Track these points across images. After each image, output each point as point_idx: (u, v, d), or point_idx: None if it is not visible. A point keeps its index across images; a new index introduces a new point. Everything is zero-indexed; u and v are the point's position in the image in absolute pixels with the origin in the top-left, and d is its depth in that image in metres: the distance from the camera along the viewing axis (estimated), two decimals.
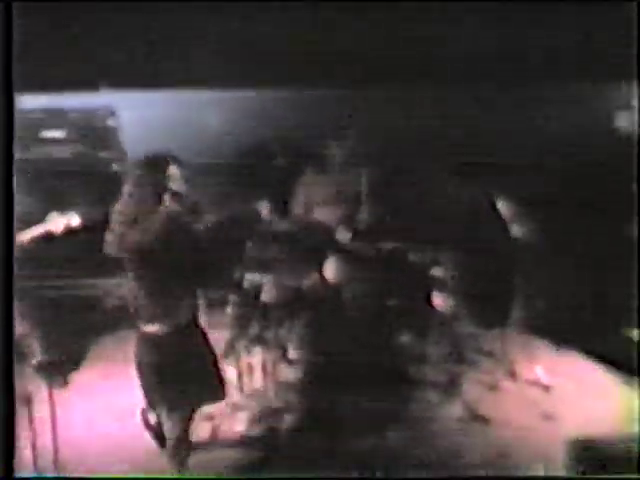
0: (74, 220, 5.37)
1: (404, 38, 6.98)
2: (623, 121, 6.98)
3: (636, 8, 4.87)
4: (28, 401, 4.16)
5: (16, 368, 4.27)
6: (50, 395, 4.41)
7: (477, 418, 5.60)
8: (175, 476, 4.77)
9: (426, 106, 6.92)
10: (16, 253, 4.11)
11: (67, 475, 4.51)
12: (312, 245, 6.06)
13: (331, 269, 6.00)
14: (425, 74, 6.94)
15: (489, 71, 6.87)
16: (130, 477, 4.77)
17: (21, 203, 5.82)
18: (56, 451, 4.40)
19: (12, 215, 4.24)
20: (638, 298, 5.55)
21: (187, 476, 4.77)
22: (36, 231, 5.31)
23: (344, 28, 6.95)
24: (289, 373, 6.06)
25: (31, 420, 4.19)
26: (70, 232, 5.31)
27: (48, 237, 5.39)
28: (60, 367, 5.84)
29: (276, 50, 7.11)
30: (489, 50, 6.83)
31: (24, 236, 5.22)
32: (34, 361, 5.08)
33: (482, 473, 5.11)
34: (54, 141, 6.82)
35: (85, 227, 5.23)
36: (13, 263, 4.25)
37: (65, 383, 5.91)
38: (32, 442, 4.22)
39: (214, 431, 5.44)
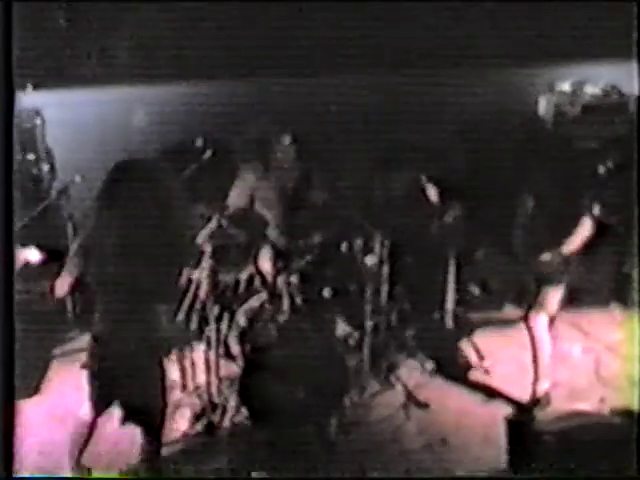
0: (33, 255, 5.31)
1: (322, 27, 7.00)
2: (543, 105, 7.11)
3: (636, 8, 4.95)
4: None
5: None
6: None
7: (417, 404, 5.66)
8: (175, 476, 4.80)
9: (346, 93, 6.93)
10: None
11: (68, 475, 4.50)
12: (246, 238, 6.07)
13: (265, 260, 5.99)
14: (343, 59, 6.96)
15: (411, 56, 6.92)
16: (130, 477, 4.77)
17: None
18: None
19: (12, 215, 4.20)
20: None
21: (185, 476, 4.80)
22: None
23: (266, 17, 6.94)
24: (231, 368, 6.04)
25: None
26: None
27: None
28: None
29: (199, 42, 7.07)
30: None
31: None
32: None
33: (423, 458, 5.19)
34: None
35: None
36: (13, 263, 4.22)
37: None
38: None
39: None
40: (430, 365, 6.05)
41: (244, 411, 5.49)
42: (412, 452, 5.27)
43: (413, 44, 6.67)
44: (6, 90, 4.13)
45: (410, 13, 6.68)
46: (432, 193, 6.00)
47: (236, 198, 6.45)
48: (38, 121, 6.80)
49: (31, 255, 5.25)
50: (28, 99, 7.07)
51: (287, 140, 6.39)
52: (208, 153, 6.34)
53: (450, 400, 5.72)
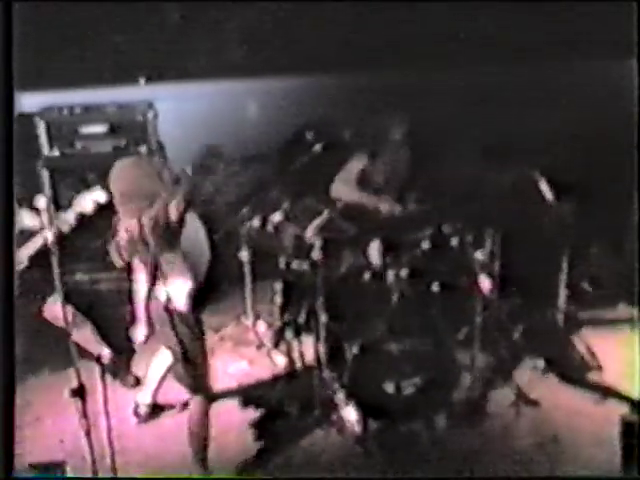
0: (100, 196, 5.41)
1: (431, 23, 6.96)
2: None
3: (636, 8, 4.82)
4: (82, 393, 4.16)
5: (66, 360, 4.31)
6: (103, 387, 4.42)
7: (528, 401, 5.58)
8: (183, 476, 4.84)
9: (458, 90, 6.88)
10: (52, 248, 4.11)
11: (69, 475, 4.55)
12: (356, 230, 6.07)
13: (375, 253, 5.98)
14: (454, 58, 6.91)
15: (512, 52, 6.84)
16: (135, 477, 4.81)
17: (65, 198, 5.92)
18: (110, 442, 4.42)
19: (12, 215, 4.24)
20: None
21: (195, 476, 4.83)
22: (69, 216, 5.36)
23: (378, 14, 6.92)
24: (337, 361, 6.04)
25: (85, 412, 4.19)
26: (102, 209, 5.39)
27: (82, 220, 5.46)
28: (122, 362, 5.93)
29: (310, 36, 7.11)
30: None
31: (63, 225, 5.26)
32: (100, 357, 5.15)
33: (533, 456, 5.12)
34: (94, 136, 6.84)
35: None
36: (13, 262, 4.27)
37: (137, 383, 5.99)
38: (86, 433, 4.22)
39: None
40: (541, 363, 5.96)
41: (352, 406, 5.47)
42: (522, 450, 5.18)
43: (524, 39, 6.59)
44: (6, 90, 4.15)
45: (518, 9, 6.61)
46: (545, 188, 5.89)
47: (341, 187, 6.48)
48: (150, 114, 6.89)
49: (99, 196, 5.36)
50: (141, 92, 7.21)
51: (398, 133, 6.38)
52: (318, 146, 6.35)
53: (561, 399, 5.62)
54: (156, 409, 5.68)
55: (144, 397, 5.66)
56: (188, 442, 4.85)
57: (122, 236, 4.50)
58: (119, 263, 4.54)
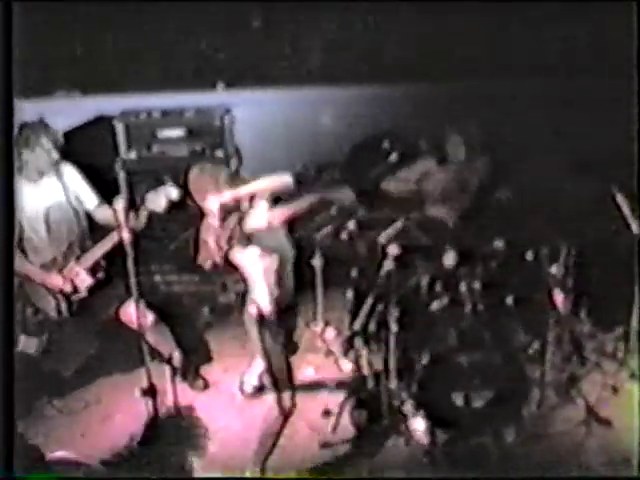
0: (173, 193, 5.45)
1: (512, 34, 6.92)
2: None
3: (636, 8, 4.75)
4: (153, 392, 4.22)
5: (137, 360, 4.37)
6: (174, 389, 4.47)
7: (599, 420, 5.49)
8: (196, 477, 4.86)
9: (535, 100, 6.82)
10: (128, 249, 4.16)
11: (71, 475, 4.59)
12: (431, 242, 6.05)
13: (450, 263, 5.94)
14: (535, 68, 6.87)
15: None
16: (138, 477, 4.82)
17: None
18: None
19: (12, 216, 4.29)
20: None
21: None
22: (141, 215, 5.41)
23: (454, 23, 6.91)
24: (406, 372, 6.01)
25: (156, 412, 4.25)
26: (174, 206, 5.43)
27: (154, 217, 5.51)
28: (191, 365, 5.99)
29: (389, 45, 7.13)
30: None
31: (137, 224, 5.30)
32: (172, 359, 5.21)
33: (604, 476, 5.03)
34: (171, 140, 6.93)
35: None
36: (13, 261, 4.31)
37: (205, 386, 6.06)
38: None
39: None
40: (612, 381, 5.86)
41: (421, 416, 5.44)
42: (592, 469, 5.10)
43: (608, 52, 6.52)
44: (6, 92, 4.17)
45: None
46: (622, 202, 5.79)
47: (399, 182, 6.47)
48: (228, 119, 6.96)
49: (172, 193, 5.41)
50: (219, 97, 7.29)
51: (475, 142, 6.35)
52: (394, 155, 6.34)
53: (634, 419, 5.51)
54: (260, 390, 5.83)
55: (250, 378, 5.84)
56: (256, 445, 4.88)
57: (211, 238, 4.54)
58: (208, 264, 4.56)
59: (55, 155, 5.64)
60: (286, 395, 4.86)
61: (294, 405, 4.91)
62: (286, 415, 4.88)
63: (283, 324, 4.81)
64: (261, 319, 4.67)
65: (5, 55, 4.10)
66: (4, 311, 4.11)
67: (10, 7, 4.12)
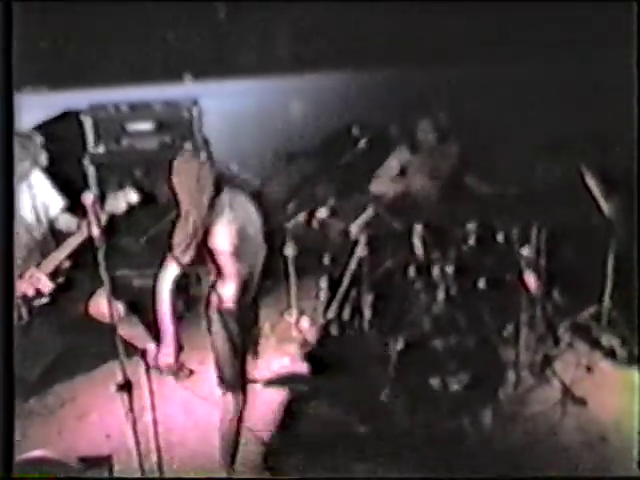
0: (133, 197, 5.44)
1: (478, 19, 6.94)
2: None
3: (636, 8, 4.78)
4: (128, 387, 4.19)
5: (111, 355, 4.34)
6: (149, 381, 4.45)
7: (574, 400, 5.52)
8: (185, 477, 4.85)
9: (504, 84, 6.84)
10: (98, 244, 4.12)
11: (73, 475, 4.58)
12: (402, 226, 6.05)
13: (418, 244, 5.95)
14: (501, 52, 6.89)
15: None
16: (132, 477, 4.82)
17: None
18: (156, 437, 4.45)
19: (12, 217, 4.26)
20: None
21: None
22: (101, 218, 5.36)
23: (426, 11, 6.91)
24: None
25: (131, 406, 4.22)
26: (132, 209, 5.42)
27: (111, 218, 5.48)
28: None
29: (356, 33, 7.11)
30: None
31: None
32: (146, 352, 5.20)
33: (582, 455, 5.06)
34: (140, 133, 6.90)
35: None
36: (13, 260, 4.28)
37: (190, 372, 6.03)
38: (132, 427, 4.25)
39: None
40: (585, 361, 5.89)
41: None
42: (570, 449, 5.14)
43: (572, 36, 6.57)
44: (6, 90, 4.15)
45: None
46: (592, 183, 5.82)
47: (386, 181, 6.49)
48: (196, 111, 6.93)
49: (131, 197, 5.40)
50: (186, 89, 7.27)
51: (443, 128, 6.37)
52: (363, 142, 6.34)
53: (609, 397, 5.55)
54: None
55: None
56: (219, 442, 4.87)
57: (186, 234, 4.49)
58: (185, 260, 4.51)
59: (26, 165, 5.62)
60: (238, 393, 4.81)
61: (244, 402, 4.85)
62: (239, 413, 4.84)
63: (244, 318, 4.74)
64: (221, 312, 4.63)
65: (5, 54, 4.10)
66: (4, 311, 4.09)
67: (10, 7, 4.12)
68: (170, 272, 4.50)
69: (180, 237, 4.45)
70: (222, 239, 4.48)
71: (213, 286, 4.62)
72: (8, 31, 4.22)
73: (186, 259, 4.44)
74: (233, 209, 4.54)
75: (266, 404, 5.61)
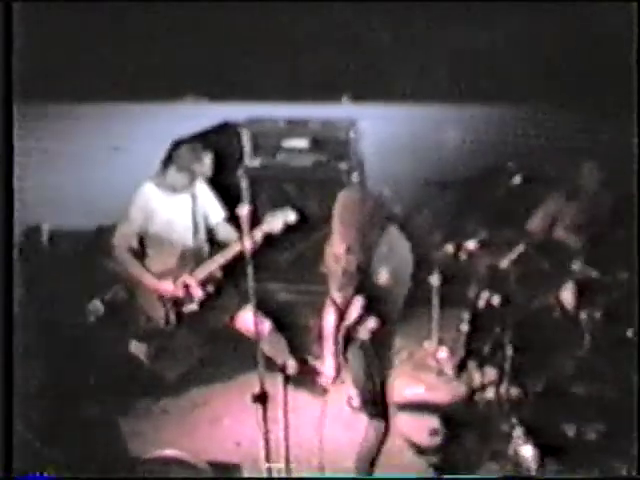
0: (291, 216, 5.52)
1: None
2: None
3: (636, 8, 4.58)
4: (264, 399, 4.23)
5: (250, 366, 4.40)
6: (285, 395, 4.49)
7: None
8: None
9: None
10: (248, 258, 4.17)
11: (70, 475, 4.61)
12: (550, 267, 5.94)
13: (568, 295, 5.84)
14: None
15: None
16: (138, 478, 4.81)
17: (263, 208, 6.06)
18: (287, 449, 4.48)
19: (12, 219, 4.31)
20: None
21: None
22: (256, 235, 5.45)
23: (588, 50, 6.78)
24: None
25: (265, 417, 4.26)
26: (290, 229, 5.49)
27: (270, 237, 5.57)
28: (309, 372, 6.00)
29: (517, 65, 7.02)
30: None
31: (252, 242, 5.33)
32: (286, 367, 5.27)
33: None
34: (296, 150, 6.97)
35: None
36: (13, 262, 4.33)
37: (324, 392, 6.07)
38: (264, 438, 4.29)
39: None
40: None
41: (530, 443, 5.33)
42: None
43: None
44: (6, 95, 4.18)
45: None
46: None
47: (538, 222, 6.40)
48: (353, 132, 6.97)
49: (289, 216, 5.50)
50: (343, 109, 7.32)
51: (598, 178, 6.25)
52: (518, 177, 6.25)
53: None
54: None
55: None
56: (355, 464, 4.86)
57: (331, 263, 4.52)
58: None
59: (194, 179, 5.82)
60: (381, 417, 4.79)
61: (388, 427, 4.83)
62: (382, 437, 4.82)
63: (381, 345, 4.72)
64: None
65: (5, 57, 4.20)
66: (4, 311, 4.18)
67: (10, 7, 4.20)
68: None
69: (339, 274, 4.47)
70: (380, 279, 4.48)
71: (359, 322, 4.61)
72: (8, 32, 4.28)
73: (344, 299, 4.49)
74: (392, 250, 4.53)
75: None
